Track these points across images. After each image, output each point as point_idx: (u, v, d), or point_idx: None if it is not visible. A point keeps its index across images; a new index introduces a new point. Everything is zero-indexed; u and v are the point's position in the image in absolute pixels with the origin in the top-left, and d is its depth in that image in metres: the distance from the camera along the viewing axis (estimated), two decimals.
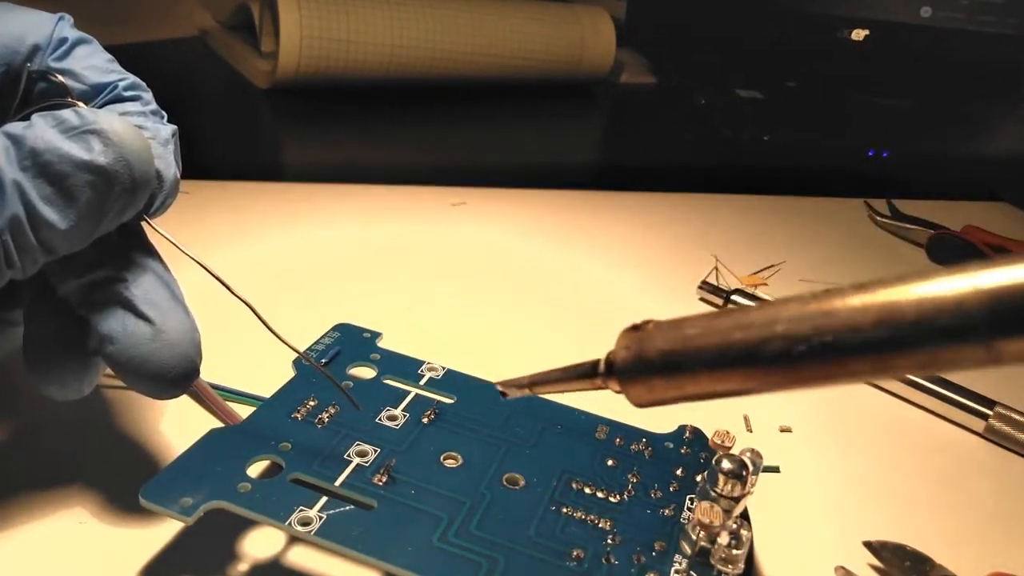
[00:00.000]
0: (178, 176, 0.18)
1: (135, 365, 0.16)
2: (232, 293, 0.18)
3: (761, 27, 0.61)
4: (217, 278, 0.18)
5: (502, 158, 0.52)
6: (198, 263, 0.17)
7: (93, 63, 0.18)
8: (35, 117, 0.16)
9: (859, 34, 0.59)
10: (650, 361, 0.12)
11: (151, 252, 0.18)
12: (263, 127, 0.53)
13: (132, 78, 0.18)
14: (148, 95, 0.19)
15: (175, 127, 0.19)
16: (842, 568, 0.19)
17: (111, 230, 0.17)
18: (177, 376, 0.17)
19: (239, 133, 0.50)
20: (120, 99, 0.18)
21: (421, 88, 0.58)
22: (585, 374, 0.14)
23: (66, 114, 0.15)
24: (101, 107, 0.18)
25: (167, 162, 0.18)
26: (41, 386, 0.18)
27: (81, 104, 0.17)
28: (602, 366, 0.13)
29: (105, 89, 0.18)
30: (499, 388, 0.16)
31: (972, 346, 0.10)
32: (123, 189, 0.16)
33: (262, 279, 0.31)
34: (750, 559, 0.16)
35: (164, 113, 0.19)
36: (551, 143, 0.56)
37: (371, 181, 0.42)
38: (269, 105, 0.53)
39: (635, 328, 0.13)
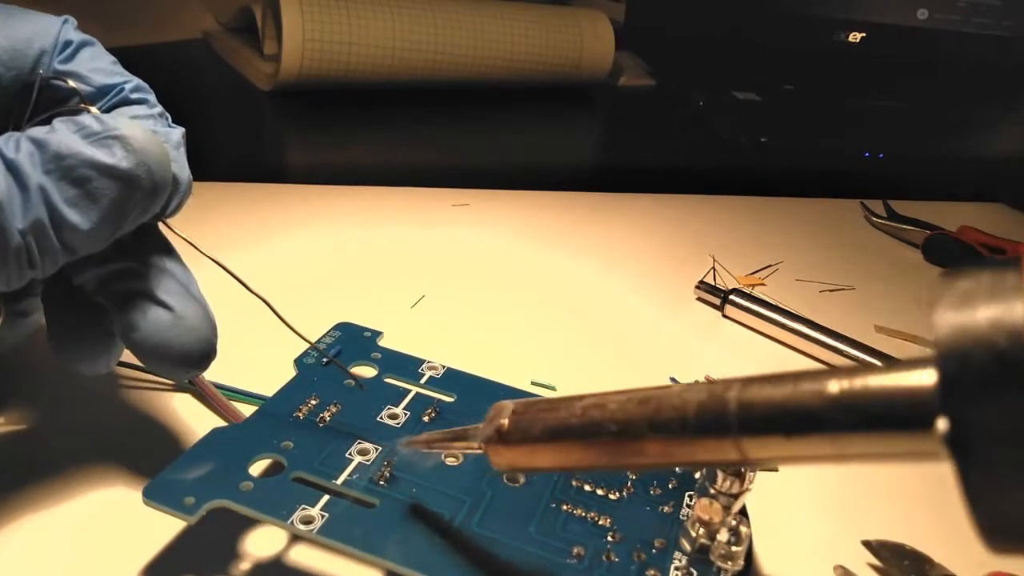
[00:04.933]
0: (191, 178, 0.19)
1: (158, 351, 0.17)
2: (248, 290, 0.19)
3: (759, 30, 0.61)
4: (234, 275, 0.19)
5: (502, 160, 0.52)
6: (214, 261, 0.19)
7: (98, 65, 0.18)
8: (56, 122, 0.16)
9: (856, 36, 0.59)
10: (508, 434, 0.15)
11: (166, 245, 0.19)
12: (265, 129, 0.53)
13: (137, 80, 0.19)
14: (152, 97, 0.19)
15: (183, 130, 0.19)
16: (841, 567, 0.19)
17: (130, 231, 0.17)
18: (198, 358, 0.18)
19: (241, 135, 0.50)
20: (127, 101, 0.18)
21: (422, 90, 0.58)
22: (463, 436, 0.16)
23: (87, 120, 0.16)
24: (108, 109, 0.18)
25: (181, 165, 0.18)
26: (68, 365, 0.19)
27: (94, 109, 0.18)
28: (478, 435, 0.15)
29: (111, 91, 0.18)
30: (401, 445, 0.18)
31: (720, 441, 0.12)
32: (144, 193, 0.16)
33: (264, 279, 0.31)
34: (749, 556, 0.16)
35: (168, 115, 0.19)
36: (550, 145, 0.57)
37: (372, 183, 0.42)
38: (271, 107, 0.54)
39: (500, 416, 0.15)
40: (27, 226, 0.15)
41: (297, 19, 0.50)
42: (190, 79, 0.57)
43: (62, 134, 0.16)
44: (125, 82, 0.18)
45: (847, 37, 0.59)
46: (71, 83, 0.18)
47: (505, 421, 0.15)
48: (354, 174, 0.43)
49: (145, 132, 0.16)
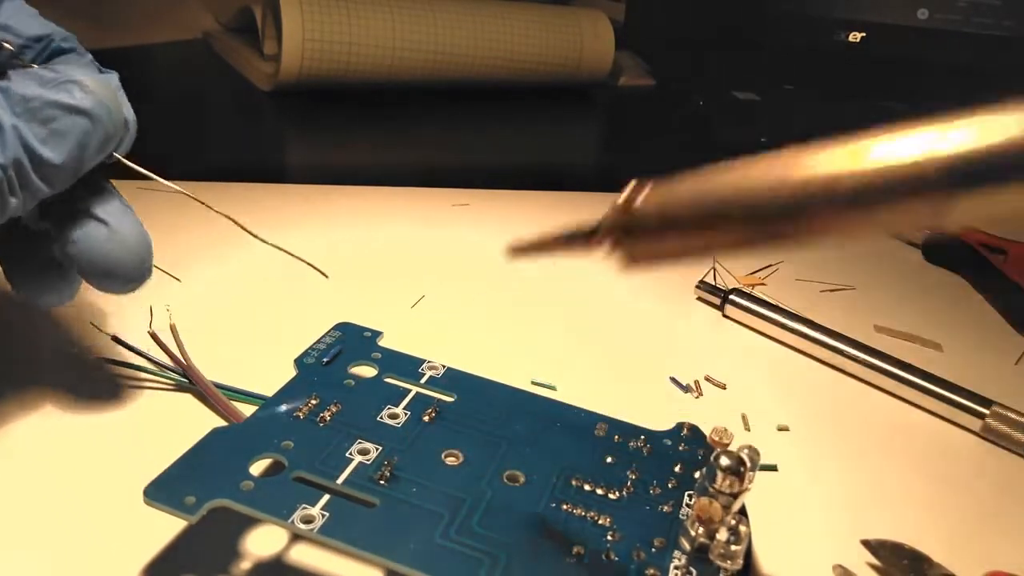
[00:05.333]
0: (135, 119, 0.20)
1: (95, 264, 0.19)
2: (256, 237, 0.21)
3: (759, 30, 0.61)
4: (194, 201, 0.21)
5: (502, 160, 0.52)
6: (181, 193, 0.21)
7: (23, 17, 0.20)
8: (12, 74, 0.18)
9: (856, 36, 0.59)
10: (645, 215, 0.13)
11: (105, 174, 0.21)
12: (265, 129, 0.53)
13: (62, 30, 0.20)
14: (80, 46, 0.20)
15: (117, 74, 0.21)
16: (840, 567, 0.19)
17: (93, 166, 0.19)
18: (134, 271, 0.20)
19: (241, 135, 0.50)
20: (61, 51, 0.20)
21: (422, 90, 0.58)
22: (581, 235, 0.15)
23: (40, 71, 0.18)
24: (44, 60, 0.20)
25: (127, 106, 0.20)
26: (30, 301, 0.21)
27: (35, 66, 0.19)
28: (600, 228, 0.14)
29: (42, 41, 0.19)
30: (508, 251, 0.17)
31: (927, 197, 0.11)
32: (104, 129, 0.18)
33: (264, 279, 0.31)
34: (748, 555, 0.16)
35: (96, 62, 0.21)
36: (550, 145, 0.57)
37: (372, 183, 0.42)
38: (271, 107, 0.54)
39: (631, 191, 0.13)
40: (8, 161, 0.17)
41: (297, 19, 0.50)
42: (190, 79, 0.57)
43: (22, 83, 0.18)
44: (53, 32, 0.20)
45: (847, 37, 0.59)
46: (7, 46, 0.19)
47: (637, 195, 0.13)
48: (354, 174, 0.43)
49: (94, 77, 0.19)
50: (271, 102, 0.54)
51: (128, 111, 0.20)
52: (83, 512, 0.19)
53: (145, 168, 0.20)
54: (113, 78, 0.20)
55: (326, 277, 0.24)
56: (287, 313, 0.29)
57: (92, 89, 0.18)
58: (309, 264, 0.23)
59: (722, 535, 0.16)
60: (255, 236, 0.22)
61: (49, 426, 0.21)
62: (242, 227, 0.21)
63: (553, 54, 0.59)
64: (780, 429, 0.25)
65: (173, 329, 0.23)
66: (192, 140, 0.46)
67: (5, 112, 0.17)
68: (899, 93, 0.62)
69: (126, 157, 0.20)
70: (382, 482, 0.17)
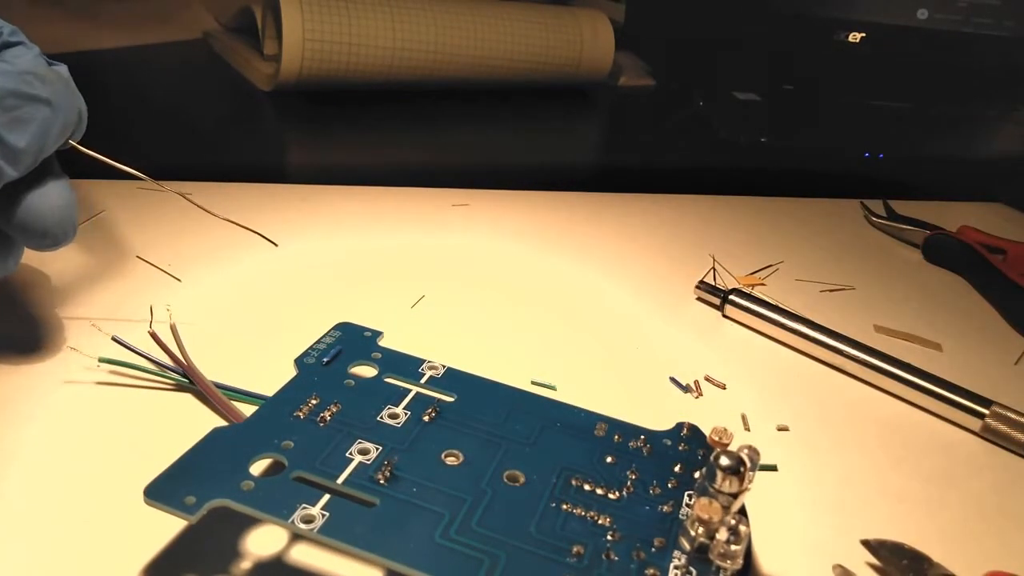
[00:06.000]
0: (86, 109, 0.22)
1: (34, 227, 0.21)
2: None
3: (759, 30, 0.61)
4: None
5: (502, 160, 0.52)
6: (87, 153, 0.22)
7: None
8: None
9: (856, 36, 0.59)
10: None
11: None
12: (266, 129, 0.53)
13: (10, 24, 0.21)
14: (28, 39, 0.21)
15: (67, 66, 0.22)
16: (840, 567, 0.19)
17: (52, 151, 0.21)
18: (66, 232, 0.22)
19: (242, 135, 0.50)
20: (8, 44, 0.21)
21: (422, 90, 0.58)
22: None
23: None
24: None
25: (79, 98, 0.22)
26: None
27: None
28: None
29: None
30: None
31: None
32: (63, 116, 0.20)
33: (265, 279, 0.31)
34: (748, 555, 0.16)
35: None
36: (550, 145, 0.57)
37: (372, 183, 0.42)
38: (271, 107, 0.54)
39: None
40: None
41: (297, 19, 0.50)
42: (190, 79, 0.57)
43: None
44: (2, 26, 0.21)
45: (847, 37, 0.59)
46: None
47: None
48: (354, 174, 0.43)
49: (49, 68, 0.20)
50: (271, 102, 0.54)
51: (80, 102, 0.22)
52: (83, 512, 0.19)
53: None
54: (64, 69, 0.22)
55: (275, 245, 0.28)
56: (287, 313, 0.29)
57: (49, 79, 0.20)
58: (257, 233, 0.26)
59: (722, 535, 0.16)
60: (204, 209, 0.24)
61: (49, 426, 0.21)
62: (192, 201, 0.23)
63: (553, 54, 0.59)
64: (780, 429, 0.25)
65: (173, 329, 0.23)
66: (192, 140, 0.47)
67: None
68: (899, 93, 0.62)
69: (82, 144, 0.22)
70: (382, 482, 0.17)
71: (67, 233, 0.22)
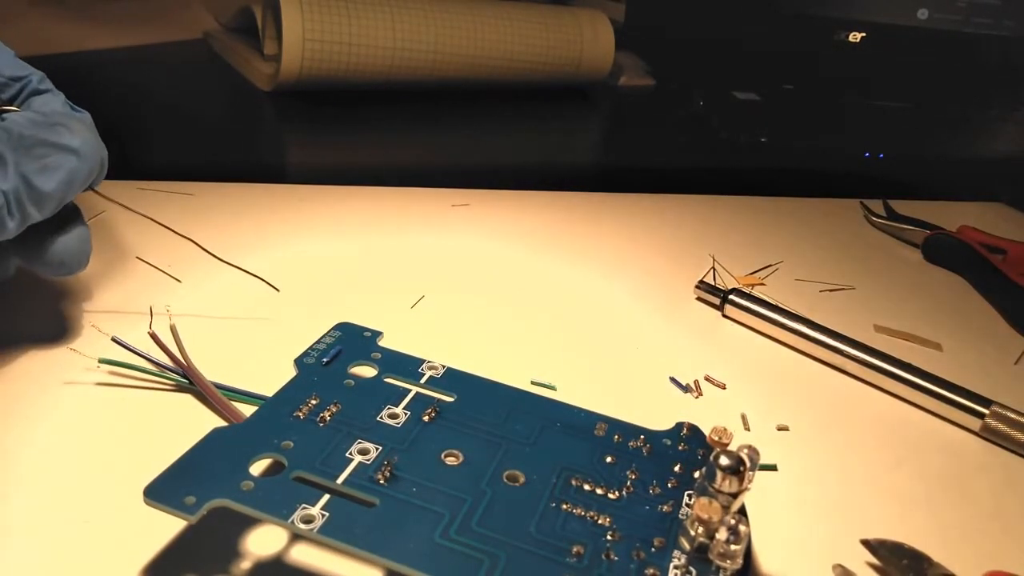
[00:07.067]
0: (107, 155, 0.23)
1: (51, 262, 0.22)
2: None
3: (759, 30, 0.61)
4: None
5: (502, 160, 0.52)
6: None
7: (3, 57, 0.22)
8: (6, 115, 0.20)
9: (856, 36, 0.59)
10: None
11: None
12: (266, 129, 0.53)
13: (39, 71, 0.22)
14: (54, 86, 0.23)
15: (89, 114, 0.23)
16: (840, 566, 0.19)
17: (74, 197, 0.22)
18: (80, 265, 0.23)
19: (242, 135, 0.50)
20: (38, 91, 0.22)
21: (422, 90, 0.58)
22: None
23: (29, 113, 0.21)
24: (24, 100, 0.22)
25: (102, 146, 0.23)
26: None
27: (15, 108, 0.22)
28: None
29: (20, 81, 0.22)
30: None
31: None
32: (89, 165, 0.21)
33: (265, 279, 0.31)
34: (748, 555, 0.16)
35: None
36: (550, 145, 0.57)
37: (372, 183, 0.42)
38: (271, 107, 0.54)
39: None
40: (9, 188, 0.20)
41: (297, 19, 0.50)
42: (190, 79, 0.57)
43: (17, 123, 0.20)
44: (31, 73, 0.22)
45: (847, 37, 0.59)
46: None
47: None
48: (354, 174, 0.43)
49: (76, 119, 0.22)
50: (271, 102, 0.54)
51: (103, 150, 0.23)
52: (83, 512, 0.19)
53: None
54: (87, 117, 0.23)
55: (277, 290, 0.28)
56: (287, 313, 0.29)
57: (77, 129, 0.21)
58: (259, 278, 0.28)
59: (722, 535, 0.16)
60: (211, 253, 0.25)
61: (50, 427, 0.21)
62: (201, 247, 0.24)
63: (553, 54, 0.59)
64: (780, 429, 0.25)
65: (173, 329, 0.23)
66: (192, 140, 0.47)
67: (6, 146, 0.20)
68: (899, 93, 0.62)
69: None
70: (382, 482, 0.17)
71: (82, 264, 0.23)
